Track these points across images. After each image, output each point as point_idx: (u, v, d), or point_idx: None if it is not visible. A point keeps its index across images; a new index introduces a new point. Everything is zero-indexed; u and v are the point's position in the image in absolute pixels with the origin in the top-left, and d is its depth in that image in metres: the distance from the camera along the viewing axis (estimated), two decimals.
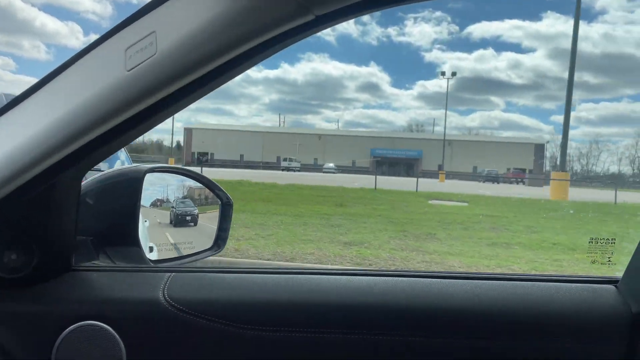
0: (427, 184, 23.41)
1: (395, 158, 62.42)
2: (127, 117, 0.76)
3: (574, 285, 0.93)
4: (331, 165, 52.39)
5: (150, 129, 0.84)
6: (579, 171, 62.63)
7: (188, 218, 1.45)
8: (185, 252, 1.33)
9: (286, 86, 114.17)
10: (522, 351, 0.85)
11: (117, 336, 0.86)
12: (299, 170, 47.14)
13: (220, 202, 1.39)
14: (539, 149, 60.02)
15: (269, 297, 0.88)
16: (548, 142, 68.32)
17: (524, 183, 39.36)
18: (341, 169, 50.81)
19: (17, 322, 0.89)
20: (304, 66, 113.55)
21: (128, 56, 0.71)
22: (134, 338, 0.87)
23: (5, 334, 0.88)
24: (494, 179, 39.34)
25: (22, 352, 0.88)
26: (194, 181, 1.39)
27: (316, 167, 55.95)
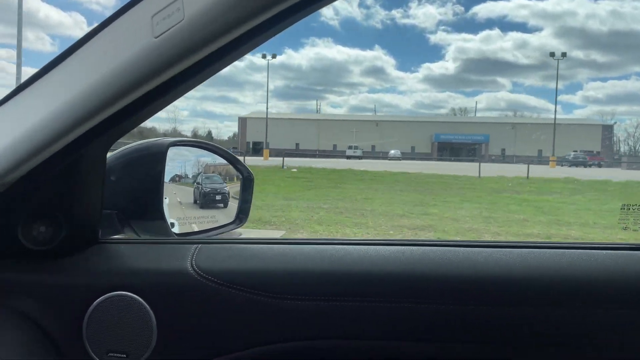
0: (537, 171, 22.20)
1: (460, 143, 60.78)
2: (154, 86, 0.76)
3: (610, 252, 0.91)
4: (397, 152, 51.80)
5: (176, 99, 0.85)
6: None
7: (218, 197, 1.46)
8: (208, 226, 1.37)
9: (291, 72, 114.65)
10: (566, 318, 0.84)
11: (147, 306, 0.90)
12: (360, 158, 47.00)
13: (241, 176, 1.42)
14: (607, 130, 56.86)
15: (295, 267, 0.90)
16: (615, 122, 64.23)
17: (600, 166, 37.07)
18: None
19: (47, 293, 0.93)
20: (308, 51, 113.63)
21: (155, 23, 0.71)
22: (163, 307, 0.90)
23: (36, 306, 0.92)
24: (581, 162, 36.91)
25: (53, 323, 0.92)
26: (213, 156, 1.40)
27: (374, 154, 55.55)
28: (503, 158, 56.35)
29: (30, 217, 0.94)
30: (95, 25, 0.78)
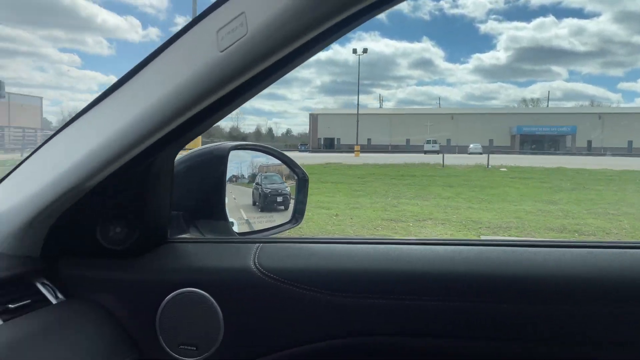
0: None
1: (543, 135, 57.65)
2: (220, 96, 0.81)
3: None
4: (477, 145, 49.90)
5: (239, 106, 0.91)
6: None
7: (279, 199, 1.50)
8: (266, 225, 1.45)
9: (337, 67, 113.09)
10: (616, 317, 0.85)
11: (214, 302, 0.96)
12: (437, 153, 45.92)
13: (296, 178, 1.49)
14: None
15: (354, 266, 0.94)
16: None
17: None
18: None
19: (123, 289, 1.02)
20: (355, 45, 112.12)
21: (220, 37, 0.76)
22: (229, 303, 0.96)
23: (114, 300, 1.02)
24: None
25: (129, 316, 1.01)
26: (267, 157, 1.46)
27: (449, 149, 54.07)
28: (589, 150, 52.75)
29: (107, 219, 1.03)
30: (165, 40, 0.85)
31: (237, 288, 0.96)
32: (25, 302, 0.93)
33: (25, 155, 1.09)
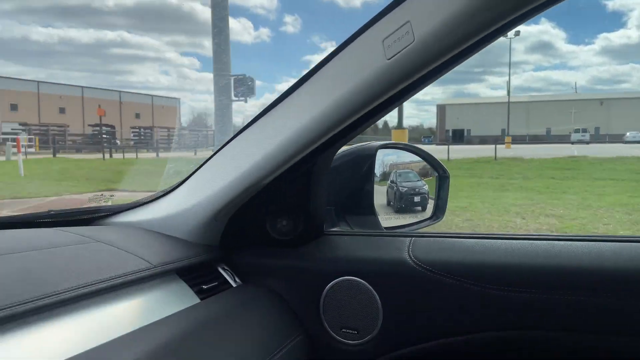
0: None
1: None
2: (382, 101, 0.87)
3: None
4: (638, 133, 43.98)
5: (391, 111, 0.98)
6: None
7: (416, 199, 1.52)
8: (409, 221, 1.53)
9: None
10: None
11: (373, 290, 1.05)
12: (587, 143, 41.83)
13: (437, 175, 1.55)
14: None
15: (507, 261, 0.97)
16: None
17: None
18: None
19: (289, 276, 1.14)
20: None
21: (386, 46, 0.81)
22: (387, 292, 1.04)
23: (281, 285, 1.14)
24: None
25: (296, 300, 1.13)
26: (399, 155, 1.51)
27: (598, 138, 49.00)
28: None
29: (274, 213, 1.19)
30: (330, 51, 0.92)
31: (394, 278, 1.04)
32: (213, 284, 1.10)
33: (201, 153, 1.29)
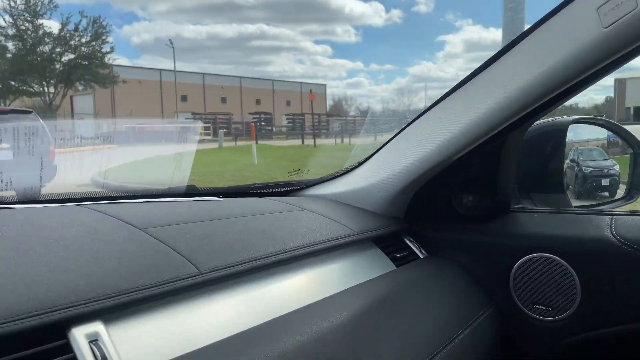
0: None
1: None
2: (590, 74, 0.86)
3: None
4: None
5: (594, 84, 0.95)
6: None
7: (604, 182, 1.43)
8: (595, 202, 1.47)
9: None
10: None
11: (570, 267, 1.04)
12: None
13: (632, 152, 1.46)
14: None
15: None
16: None
17: None
18: None
19: (477, 250, 1.17)
20: None
21: (602, 14, 0.79)
22: (586, 270, 1.02)
23: (467, 259, 1.17)
24: None
25: (483, 274, 1.15)
26: (576, 132, 1.43)
27: None
28: None
29: (461, 188, 1.23)
30: (528, 26, 0.92)
31: (595, 256, 1.02)
32: (404, 253, 1.18)
33: (384, 138, 1.38)
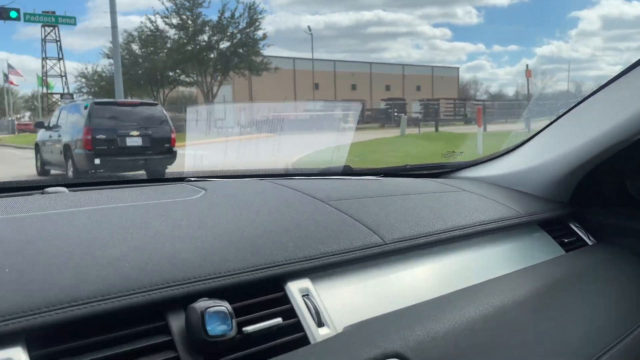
0: None
1: None
2: None
3: None
4: None
5: None
6: None
7: None
8: None
9: None
10: None
11: None
12: None
13: None
14: None
15: None
16: None
17: None
18: None
19: None
20: None
21: None
22: None
23: None
24: None
25: None
26: None
27: None
28: None
29: (636, 173, 1.22)
30: None
31: None
32: (572, 238, 1.17)
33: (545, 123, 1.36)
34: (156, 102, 11.34)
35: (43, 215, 0.87)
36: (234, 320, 0.70)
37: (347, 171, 1.50)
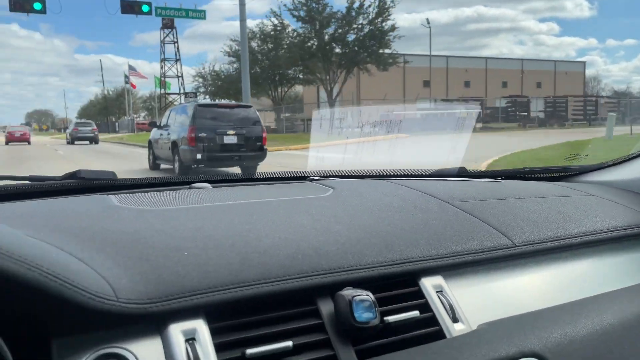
0: None
1: None
2: None
3: None
4: None
5: None
6: None
7: None
8: None
9: None
10: None
11: None
12: None
13: None
14: None
15: None
16: None
17: None
18: None
19: None
20: None
21: None
22: None
23: None
24: None
25: None
26: None
27: None
28: None
29: None
30: None
31: None
32: None
33: None
34: (250, 104, 12.37)
35: (203, 206, 1.00)
36: (378, 309, 0.77)
37: (462, 173, 1.53)
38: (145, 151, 13.21)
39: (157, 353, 0.67)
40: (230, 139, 10.07)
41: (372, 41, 29.68)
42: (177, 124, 10.91)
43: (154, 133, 12.27)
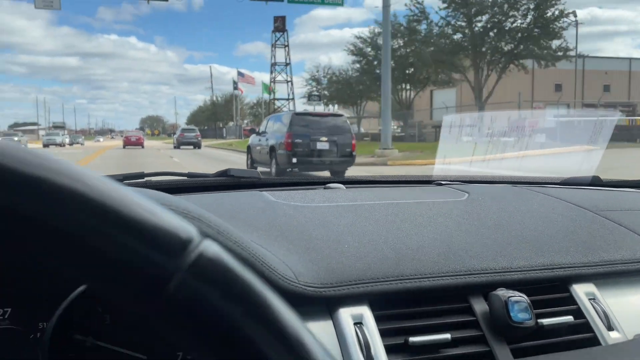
0: None
1: None
2: None
3: None
4: None
5: None
6: None
7: None
8: None
9: None
10: None
11: None
12: None
13: None
14: None
15: None
16: None
17: None
18: None
19: None
20: None
21: None
22: None
23: None
24: None
25: None
26: None
27: None
28: None
29: None
30: None
31: None
32: None
33: None
34: (341, 114, 13.37)
35: (348, 205, 1.04)
36: (533, 311, 0.77)
37: (596, 182, 1.51)
38: (240, 155, 13.87)
39: (328, 334, 0.73)
40: (323, 145, 11.09)
41: (537, 30, 24.97)
42: (274, 130, 12.04)
43: (253, 139, 13.66)
